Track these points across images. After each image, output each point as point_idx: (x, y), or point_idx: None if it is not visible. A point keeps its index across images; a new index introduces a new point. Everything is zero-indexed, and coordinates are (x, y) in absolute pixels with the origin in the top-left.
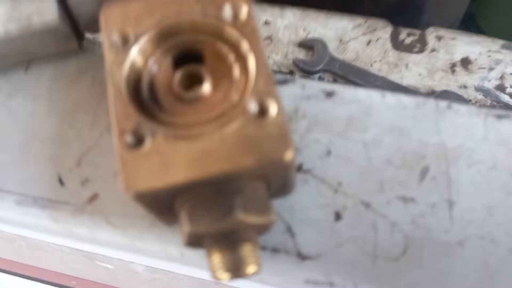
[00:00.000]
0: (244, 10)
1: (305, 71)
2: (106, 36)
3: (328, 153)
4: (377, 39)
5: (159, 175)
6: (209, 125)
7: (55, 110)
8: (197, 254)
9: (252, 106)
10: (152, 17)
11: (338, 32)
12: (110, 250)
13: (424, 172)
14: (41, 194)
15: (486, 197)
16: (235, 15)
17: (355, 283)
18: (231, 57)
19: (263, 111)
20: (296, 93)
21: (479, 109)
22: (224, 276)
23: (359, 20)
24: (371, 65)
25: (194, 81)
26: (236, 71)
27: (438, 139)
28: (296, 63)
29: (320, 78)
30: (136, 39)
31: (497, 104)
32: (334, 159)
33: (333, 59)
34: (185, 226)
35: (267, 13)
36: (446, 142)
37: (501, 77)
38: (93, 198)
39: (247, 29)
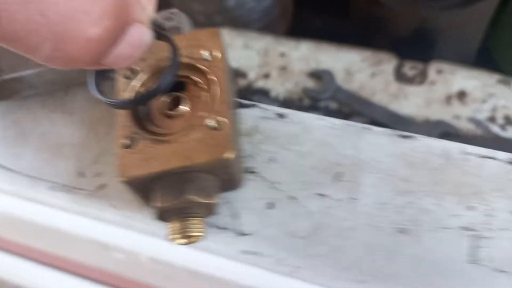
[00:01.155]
0: (217, 54)
1: (313, 99)
2: (119, 70)
3: (273, 160)
4: (381, 72)
5: (142, 167)
6: (179, 133)
7: (83, 122)
8: (164, 231)
9: (210, 122)
10: (153, 57)
11: (346, 64)
12: (113, 228)
13: (339, 176)
14: (67, 182)
15: (381, 196)
16: (211, 57)
17: (276, 253)
18: (204, 86)
19: (217, 126)
20: (257, 114)
21: (390, 131)
22: (177, 239)
23: (367, 53)
24: (374, 95)
25: (177, 103)
26: (206, 96)
27: (354, 152)
28: (306, 91)
29: (326, 106)
30: (141, 72)
31: (486, 135)
32: (276, 165)
33: (339, 89)
34: (155, 203)
35: (284, 46)
36: (359, 155)
37: (493, 109)
38: (102, 187)
39: (217, 67)
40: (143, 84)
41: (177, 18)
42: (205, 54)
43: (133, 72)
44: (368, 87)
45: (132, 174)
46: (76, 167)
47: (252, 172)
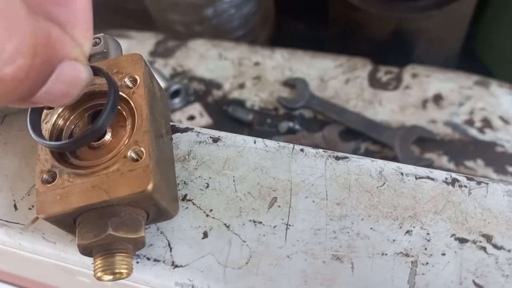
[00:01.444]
0: (138, 81)
1: (288, 108)
2: None
3: (207, 186)
4: (356, 78)
5: (59, 203)
6: (100, 166)
7: (17, 153)
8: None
9: (130, 153)
10: None
11: (320, 71)
12: (49, 260)
13: (273, 201)
14: (0, 217)
15: (315, 221)
16: (132, 84)
17: (209, 286)
18: (125, 115)
19: (136, 157)
20: (192, 138)
21: (324, 152)
22: (102, 276)
23: (342, 59)
24: (348, 102)
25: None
26: (128, 125)
27: (288, 176)
28: (279, 101)
29: (301, 114)
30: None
31: (464, 138)
32: (210, 191)
33: (313, 97)
34: (77, 240)
35: (258, 55)
36: (293, 178)
37: (471, 112)
38: (35, 220)
39: (139, 94)
40: (59, 116)
41: (104, 43)
42: (126, 81)
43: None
44: (343, 93)
45: (50, 211)
46: (9, 200)
47: (187, 200)
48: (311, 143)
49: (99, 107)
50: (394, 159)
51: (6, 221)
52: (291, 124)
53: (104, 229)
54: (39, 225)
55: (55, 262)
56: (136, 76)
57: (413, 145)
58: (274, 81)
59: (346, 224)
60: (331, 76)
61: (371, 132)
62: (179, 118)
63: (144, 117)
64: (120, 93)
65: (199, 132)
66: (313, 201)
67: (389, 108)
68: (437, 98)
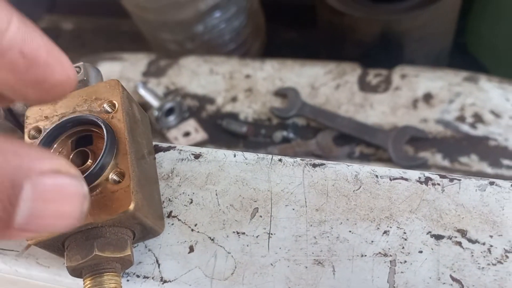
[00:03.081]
0: (116, 105)
1: (281, 117)
2: (26, 131)
3: (191, 202)
4: (346, 83)
5: None
6: None
7: None
8: None
9: (112, 176)
10: (56, 114)
11: (310, 79)
12: (44, 284)
13: (254, 212)
14: None
15: (296, 228)
16: (111, 109)
17: None
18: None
19: (118, 179)
20: (174, 156)
21: (301, 160)
22: None
23: (331, 65)
24: (339, 107)
25: (84, 157)
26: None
27: (268, 186)
28: (272, 111)
29: (294, 123)
30: (46, 131)
31: (457, 135)
32: (194, 206)
33: (304, 105)
34: (65, 263)
35: (248, 67)
36: (273, 188)
37: (461, 109)
38: (28, 247)
39: (117, 118)
40: (42, 143)
41: (84, 71)
42: (105, 106)
43: (38, 132)
44: (334, 99)
45: (39, 237)
46: None
47: (173, 216)
48: (305, 150)
49: (81, 133)
50: (389, 160)
51: (2, 249)
52: (285, 133)
53: (90, 251)
54: (33, 251)
55: (51, 286)
56: (114, 101)
57: (406, 145)
58: (266, 92)
59: (325, 229)
60: (321, 83)
61: (364, 136)
62: (174, 135)
63: (124, 140)
64: (100, 119)
65: (181, 150)
66: (293, 209)
67: (380, 110)
68: (427, 97)
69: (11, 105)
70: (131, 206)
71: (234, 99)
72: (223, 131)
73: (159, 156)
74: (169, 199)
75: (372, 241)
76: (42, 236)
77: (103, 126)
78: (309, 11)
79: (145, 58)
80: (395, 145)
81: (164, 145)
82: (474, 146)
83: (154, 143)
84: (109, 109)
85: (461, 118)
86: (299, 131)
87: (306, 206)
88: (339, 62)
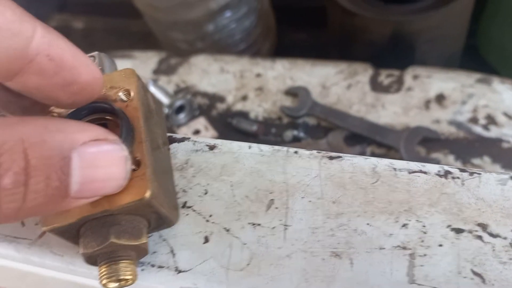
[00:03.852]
0: (132, 94)
1: (291, 116)
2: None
3: (206, 192)
4: (357, 83)
5: (62, 216)
6: None
7: None
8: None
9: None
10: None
11: (322, 78)
12: (56, 273)
13: (270, 203)
14: (9, 233)
15: (312, 220)
16: (127, 97)
17: None
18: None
19: (134, 167)
20: (188, 147)
21: (318, 153)
22: (107, 283)
23: (342, 65)
24: (351, 107)
25: None
26: None
27: (284, 178)
28: (283, 110)
29: (305, 122)
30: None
31: (469, 136)
32: (209, 197)
33: (315, 104)
34: (81, 250)
35: (259, 67)
36: (289, 179)
37: (474, 110)
38: (42, 235)
39: (133, 107)
40: None
41: (99, 60)
42: (121, 95)
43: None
44: (345, 99)
45: (52, 224)
46: None
47: (187, 207)
48: (316, 150)
49: (96, 121)
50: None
51: (15, 237)
52: (295, 132)
53: (106, 238)
54: (47, 239)
55: (64, 278)
56: (130, 90)
57: (418, 146)
58: (277, 91)
59: (343, 221)
60: (332, 82)
61: (375, 136)
62: (185, 133)
63: (139, 129)
64: (116, 106)
65: (195, 141)
66: (310, 201)
67: (392, 110)
68: (440, 98)
69: (47, 111)
70: (147, 194)
71: (244, 98)
72: (233, 129)
73: (173, 146)
74: (184, 189)
75: (391, 234)
76: (58, 222)
77: (119, 114)
78: (319, 12)
79: (155, 56)
80: (407, 145)
81: (178, 136)
82: (487, 148)
83: (168, 134)
84: (124, 98)
85: (474, 120)
86: (310, 130)
87: (322, 198)
88: (350, 62)
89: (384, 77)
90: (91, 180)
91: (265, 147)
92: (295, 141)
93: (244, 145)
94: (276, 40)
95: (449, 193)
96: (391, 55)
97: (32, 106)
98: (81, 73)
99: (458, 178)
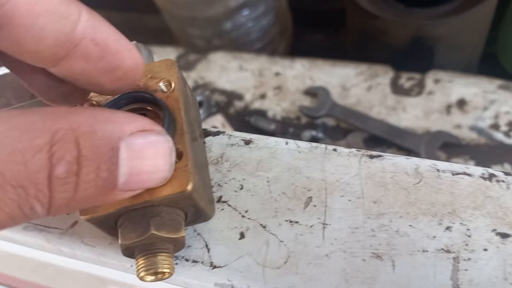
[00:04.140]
0: (173, 85)
1: (310, 116)
2: (79, 105)
3: (241, 187)
4: (378, 85)
5: (100, 207)
6: None
7: None
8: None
9: None
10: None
11: (342, 79)
12: (86, 264)
13: (308, 201)
14: (39, 222)
15: (352, 220)
16: (167, 88)
17: (248, 286)
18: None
19: (175, 159)
20: (224, 141)
21: (357, 151)
22: (144, 276)
23: (363, 67)
24: (371, 109)
25: None
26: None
27: (322, 175)
28: (301, 109)
29: (324, 122)
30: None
31: (490, 142)
32: (245, 192)
33: (335, 105)
34: (119, 241)
35: (278, 65)
36: (327, 177)
37: (496, 116)
38: (73, 224)
39: (174, 98)
40: None
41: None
42: (161, 85)
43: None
44: (365, 101)
45: (91, 213)
46: None
47: (222, 202)
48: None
49: (135, 111)
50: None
51: (45, 226)
52: (314, 132)
53: (146, 229)
54: (78, 229)
55: (87, 271)
56: (171, 81)
57: (439, 150)
58: (295, 90)
59: (384, 222)
60: (352, 83)
61: (395, 139)
62: None
63: (180, 120)
64: (158, 97)
65: (230, 135)
66: (349, 200)
67: (413, 114)
68: (461, 103)
69: (86, 99)
70: (189, 187)
71: (262, 96)
72: (250, 127)
73: (208, 140)
74: (219, 184)
75: (434, 237)
76: (97, 212)
77: (161, 105)
78: (337, 14)
79: (173, 51)
80: (428, 149)
81: (213, 129)
82: (508, 154)
83: (202, 127)
84: (165, 89)
85: (495, 126)
86: (329, 131)
87: (363, 198)
88: (370, 63)
89: (405, 80)
90: (138, 172)
91: (303, 144)
92: (313, 142)
93: (280, 140)
94: (292, 41)
95: (493, 196)
96: (409, 58)
97: (72, 93)
98: (124, 58)
99: (503, 181)
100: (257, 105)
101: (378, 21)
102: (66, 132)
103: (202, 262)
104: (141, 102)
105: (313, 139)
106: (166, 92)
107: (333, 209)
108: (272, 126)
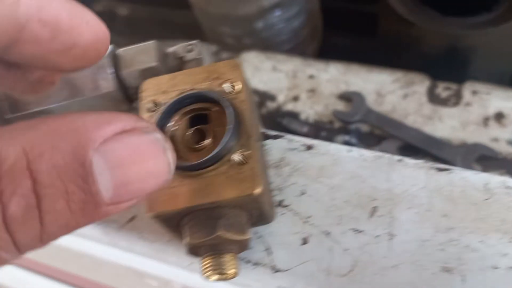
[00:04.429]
0: (238, 86)
1: (344, 121)
2: (143, 103)
3: (303, 193)
4: (414, 93)
5: (169, 203)
6: (206, 168)
7: None
8: (199, 264)
9: (236, 157)
10: (175, 89)
11: (377, 85)
12: (142, 259)
13: (374, 211)
14: None
15: (420, 232)
16: (232, 90)
17: None
18: (226, 119)
19: (242, 160)
20: (284, 145)
21: (424, 163)
22: (211, 276)
23: (398, 74)
24: (406, 117)
25: (201, 136)
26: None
27: (388, 186)
28: (335, 114)
29: (357, 128)
30: (163, 105)
31: None
32: (307, 198)
33: (370, 111)
34: (185, 239)
35: (312, 68)
36: (393, 188)
37: None
38: (132, 219)
39: (239, 99)
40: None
41: (197, 49)
42: (226, 86)
43: (155, 105)
44: (400, 108)
45: (159, 210)
46: None
47: (283, 206)
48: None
49: (198, 111)
50: None
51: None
52: (347, 138)
53: (213, 230)
54: (137, 224)
55: (125, 264)
56: (236, 81)
57: (475, 163)
58: (329, 94)
59: (453, 236)
60: (388, 90)
61: (431, 149)
62: None
63: (247, 122)
64: (224, 97)
65: (290, 140)
66: (417, 212)
67: (449, 124)
68: (499, 116)
69: (57, 77)
70: (258, 190)
71: (295, 98)
72: (282, 129)
73: (267, 143)
74: (279, 188)
75: (506, 254)
76: (164, 208)
77: (227, 106)
78: (368, 19)
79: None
80: (464, 161)
81: (272, 132)
82: None
83: (260, 130)
84: (230, 90)
85: None
86: (362, 137)
87: (431, 211)
88: (406, 71)
89: (442, 90)
90: (126, 182)
91: (366, 152)
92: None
93: (342, 148)
94: (321, 43)
95: None
96: (443, 67)
97: (41, 80)
98: (82, 34)
99: None
100: (290, 106)
101: (414, 28)
102: (15, 158)
103: (264, 265)
104: (206, 102)
105: (346, 145)
106: (230, 93)
107: (400, 221)
108: (305, 129)
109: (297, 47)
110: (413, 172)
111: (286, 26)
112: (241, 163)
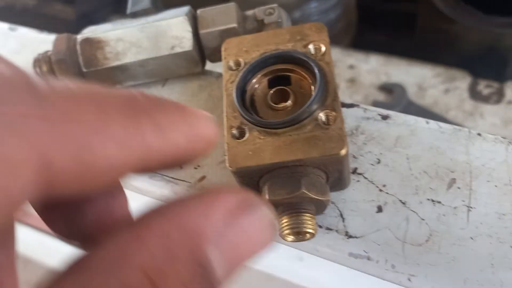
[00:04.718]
0: (323, 49)
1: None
2: (225, 62)
3: (378, 162)
4: (455, 88)
5: (252, 158)
6: (289, 127)
7: None
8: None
9: (321, 117)
10: (257, 49)
11: (418, 79)
12: None
13: (452, 183)
14: (167, 173)
15: (499, 206)
16: (316, 51)
17: (386, 260)
18: (309, 80)
19: (328, 121)
20: (359, 114)
21: (503, 138)
22: (287, 235)
23: (439, 69)
24: (447, 112)
25: (282, 96)
26: (313, 91)
27: (466, 158)
28: (375, 104)
29: None
30: (245, 64)
31: None
32: (382, 167)
33: (410, 103)
34: (266, 196)
35: (352, 58)
36: (472, 161)
37: None
38: (202, 179)
39: (324, 61)
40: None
41: (277, 12)
42: (311, 48)
43: (237, 64)
44: (442, 103)
45: (242, 165)
46: None
47: (358, 173)
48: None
49: (281, 72)
50: None
51: (173, 178)
52: None
53: (297, 187)
54: (206, 184)
55: None
56: (321, 44)
57: None
58: (369, 84)
59: None
60: (429, 84)
61: None
62: None
63: (332, 83)
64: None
65: (366, 109)
66: (496, 186)
67: (490, 121)
68: None
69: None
70: (344, 151)
71: None
72: None
73: (343, 111)
74: (354, 156)
75: None
76: (247, 163)
77: (315, 67)
78: (406, 16)
79: None
80: None
81: (347, 101)
82: None
83: None
84: (314, 51)
85: None
86: None
87: (510, 185)
88: (447, 67)
89: (483, 87)
90: (238, 260)
91: (445, 125)
92: None
93: (420, 119)
94: (354, 37)
95: None
96: (481, 66)
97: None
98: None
99: None
100: None
101: (456, 26)
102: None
103: (337, 231)
104: (289, 63)
105: None
106: (315, 55)
107: (478, 193)
108: None
109: (331, 40)
110: (493, 147)
111: (321, 18)
112: (327, 123)
